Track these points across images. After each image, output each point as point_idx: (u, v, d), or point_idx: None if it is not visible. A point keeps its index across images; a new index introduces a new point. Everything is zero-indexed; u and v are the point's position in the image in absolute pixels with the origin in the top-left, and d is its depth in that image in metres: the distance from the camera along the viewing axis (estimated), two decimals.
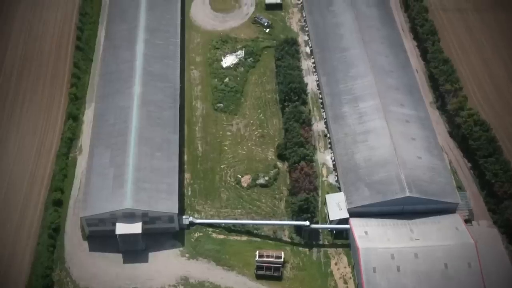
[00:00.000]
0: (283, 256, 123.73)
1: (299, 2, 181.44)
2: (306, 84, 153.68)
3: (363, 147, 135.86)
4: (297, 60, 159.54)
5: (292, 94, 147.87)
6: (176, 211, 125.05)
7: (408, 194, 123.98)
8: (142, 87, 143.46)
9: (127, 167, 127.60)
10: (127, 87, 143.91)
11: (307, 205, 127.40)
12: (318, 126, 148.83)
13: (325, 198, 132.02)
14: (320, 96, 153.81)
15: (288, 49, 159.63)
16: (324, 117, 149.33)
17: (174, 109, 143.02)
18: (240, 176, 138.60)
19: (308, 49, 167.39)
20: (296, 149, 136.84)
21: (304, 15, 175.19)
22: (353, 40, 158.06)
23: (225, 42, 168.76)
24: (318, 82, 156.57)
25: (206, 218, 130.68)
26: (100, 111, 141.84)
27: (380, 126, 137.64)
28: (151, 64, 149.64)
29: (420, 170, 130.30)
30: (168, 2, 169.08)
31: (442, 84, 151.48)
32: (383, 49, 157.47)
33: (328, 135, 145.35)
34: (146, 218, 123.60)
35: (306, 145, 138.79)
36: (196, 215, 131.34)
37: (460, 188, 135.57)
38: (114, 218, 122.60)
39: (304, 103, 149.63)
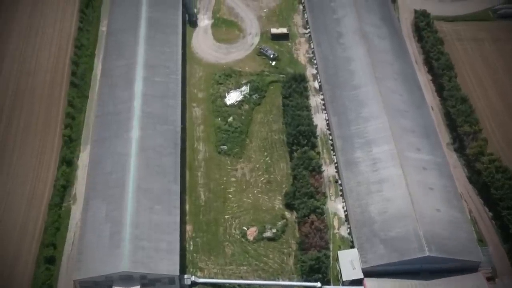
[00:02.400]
0: None
1: (307, 32, 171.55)
2: (316, 126, 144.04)
3: (378, 198, 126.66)
4: (306, 98, 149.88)
5: (301, 137, 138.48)
6: (178, 272, 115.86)
7: (427, 253, 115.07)
8: (140, 131, 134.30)
9: (125, 224, 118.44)
10: (124, 130, 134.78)
11: (318, 265, 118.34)
12: (329, 170, 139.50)
13: (337, 255, 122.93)
14: (330, 137, 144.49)
15: (296, 87, 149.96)
16: (335, 160, 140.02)
17: (174, 155, 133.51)
18: (245, 228, 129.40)
19: (316, 84, 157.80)
20: (305, 200, 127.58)
21: (312, 46, 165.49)
22: (365, 76, 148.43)
23: (229, 76, 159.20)
24: (327, 122, 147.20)
25: (209, 277, 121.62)
26: (96, 157, 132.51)
27: (395, 174, 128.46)
28: (150, 105, 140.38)
29: (440, 225, 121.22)
30: (168, 34, 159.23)
31: (460, 125, 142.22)
32: (397, 86, 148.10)
33: (340, 182, 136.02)
34: (144, 280, 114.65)
35: (316, 196, 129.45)
36: (198, 273, 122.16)
37: (481, 241, 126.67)
38: (110, 281, 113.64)
39: (314, 146, 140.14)
